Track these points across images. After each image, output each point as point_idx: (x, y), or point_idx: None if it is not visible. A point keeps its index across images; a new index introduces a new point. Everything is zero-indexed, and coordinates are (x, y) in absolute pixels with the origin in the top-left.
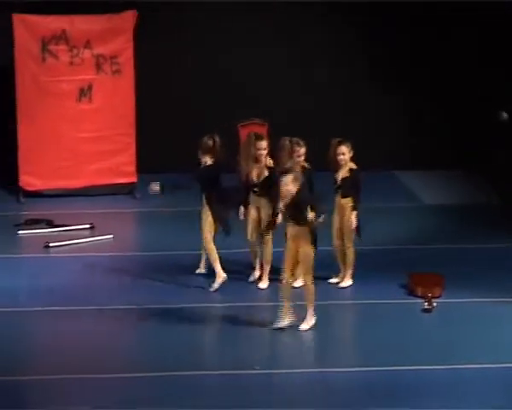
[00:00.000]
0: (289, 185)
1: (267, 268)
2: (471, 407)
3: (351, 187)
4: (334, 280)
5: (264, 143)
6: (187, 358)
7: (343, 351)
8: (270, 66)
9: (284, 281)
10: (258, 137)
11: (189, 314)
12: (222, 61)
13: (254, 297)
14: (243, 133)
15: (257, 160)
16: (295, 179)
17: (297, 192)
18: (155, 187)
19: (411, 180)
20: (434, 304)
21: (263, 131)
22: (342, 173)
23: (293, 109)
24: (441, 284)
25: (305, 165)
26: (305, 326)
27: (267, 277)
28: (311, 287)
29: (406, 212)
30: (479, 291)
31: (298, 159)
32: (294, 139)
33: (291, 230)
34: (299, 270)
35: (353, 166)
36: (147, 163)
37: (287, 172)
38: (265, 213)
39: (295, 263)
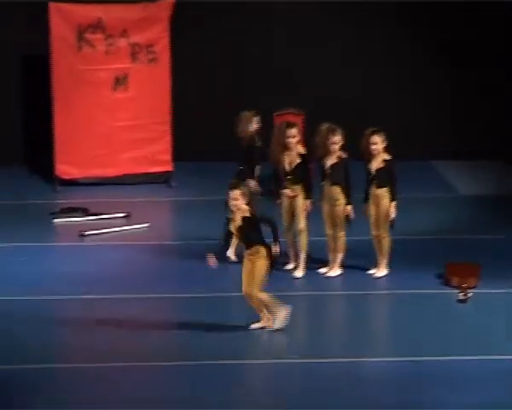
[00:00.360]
0: (238, 200)
1: (303, 257)
2: (504, 398)
3: (386, 178)
4: (372, 271)
5: (294, 131)
6: (226, 345)
7: (379, 341)
8: (309, 55)
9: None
10: (289, 125)
11: (223, 303)
12: (260, 50)
13: (289, 286)
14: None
15: (288, 147)
16: (244, 194)
17: (246, 217)
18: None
19: (448, 170)
20: (470, 294)
21: (298, 121)
22: (376, 164)
23: (333, 98)
24: (477, 275)
25: (342, 154)
26: (256, 326)
27: (303, 265)
28: (262, 295)
29: (442, 202)
30: None
31: (332, 146)
32: (331, 126)
33: (246, 250)
34: (250, 285)
35: (386, 156)
36: (183, 151)
37: (236, 186)
38: (299, 201)
39: (249, 280)
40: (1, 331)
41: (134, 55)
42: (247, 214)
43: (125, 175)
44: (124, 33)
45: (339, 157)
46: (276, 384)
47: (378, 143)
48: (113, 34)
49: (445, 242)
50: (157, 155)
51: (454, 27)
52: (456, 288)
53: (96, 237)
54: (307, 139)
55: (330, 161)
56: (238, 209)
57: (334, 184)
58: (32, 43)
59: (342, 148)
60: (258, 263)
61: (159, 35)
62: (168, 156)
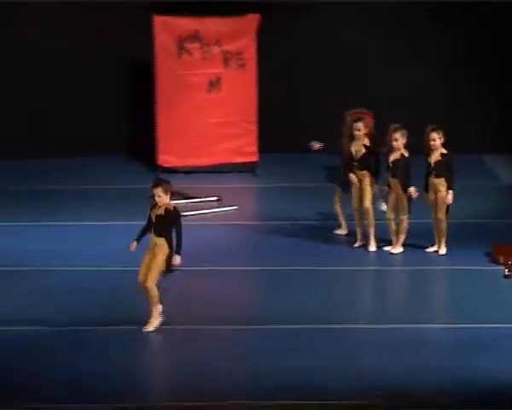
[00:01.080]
0: (161, 197)
1: (372, 232)
2: None
3: (444, 169)
4: (430, 249)
5: (360, 125)
6: (314, 312)
7: (435, 310)
8: (378, 56)
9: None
10: (356, 119)
11: (308, 275)
12: (335, 53)
13: (358, 261)
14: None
15: (355, 138)
16: (165, 190)
17: (169, 210)
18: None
19: (495, 163)
20: None
21: (368, 120)
22: (434, 157)
23: (397, 97)
24: None
25: (404, 153)
26: (149, 328)
27: (374, 240)
28: (154, 290)
29: (488, 191)
30: None
31: (393, 143)
32: (395, 126)
33: (153, 239)
34: (147, 274)
35: (444, 151)
36: (267, 144)
37: (158, 184)
38: (365, 185)
39: (148, 271)
40: (115, 294)
41: (226, 62)
42: (171, 208)
43: (216, 165)
44: (217, 43)
45: (402, 154)
46: (349, 347)
47: (436, 139)
48: (208, 43)
49: (493, 225)
50: (244, 148)
51: (508, 27)
52: (502, 265)
53: (192, 217)
54: (375, 135)
55: (393, 156)
56: (163, 204)
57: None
58: (139, 51)
59: (406, 146)
60: (160, 258)
61: (247, 44)
62: (254, 148)
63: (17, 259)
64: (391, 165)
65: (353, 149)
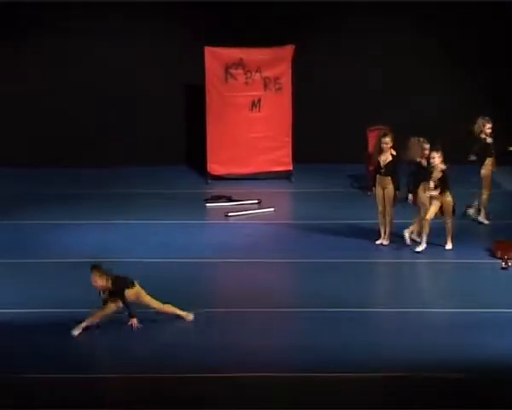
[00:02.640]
0: (97, 282)
1: (388, 230)
2: None
3: (444, 184)
4: (447, 247)
5: (387, 139)
6: (351, 297)
7: (441, 296)
8: (395, 76)
9: None
10: (384, 135)
11: (336, 266)
12: (356, 77)
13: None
14: (371, 136)
15: (383, 150)
16: (101, 275)
17: (112, 291)
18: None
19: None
20: (510, 264)
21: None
22: (436, 174)
23: (416, 111)
24: None
25: (443, 167)
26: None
27: (389, 236)
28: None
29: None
30: None
31: (424, 152)
32: (422, 139)
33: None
34: None
35: (443, 166)
36: (301, 156)
37: (94, 269)
38: (389, 190)
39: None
40: (172, 283)
41: (265, 86)
42: (111, 288)
43: (257, 173)
44: (258, 69)
45: (442, 170)
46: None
47: (436, 157)
48: (250, 70)
49: (493, 225)
50: (281, 158)
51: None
52: (500, 258)
53: (236, 217)
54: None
55: (436, 173)
56: (102, 288)
57: (444, 190)
58: (194, 76)
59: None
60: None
61: (283, 71)
62: (289, 159)
63: (111, 252)
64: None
65: (381, 159)
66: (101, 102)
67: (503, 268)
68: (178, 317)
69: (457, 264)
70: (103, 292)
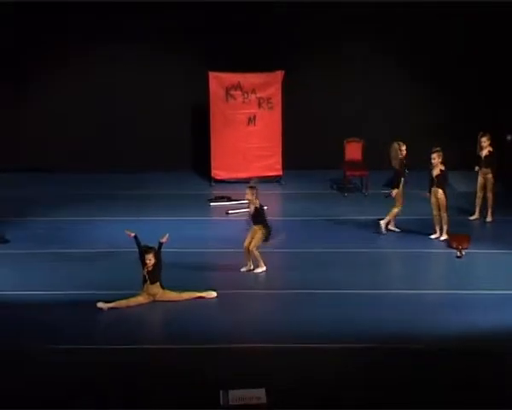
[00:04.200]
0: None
1: (445, 228)
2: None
3: (442, 181)
4: (433, 236)
5: (403, 147)
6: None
7: (410, 279)
8: (371, 96)
9: None
10: (401, 144)
11: (325, 256)
12: (338, 98)
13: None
14: (348, 147)
15: (434, 166)
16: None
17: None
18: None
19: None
20: (463, 253)
21: (360, 145)
22: (435, 172)
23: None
24: (468, 241)
25: (442, 167)
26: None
27: (446, 232)
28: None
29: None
30: (493, 245)
31: (402, 153)
32: (400, 143)
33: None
34: None
35: (442, 167)
36: (289, 163)
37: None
38: (441, 199)
39: None
40: (182, 270)
41: (259, 104)
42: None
43: (253, 177)
44: (253, 91)
45: (440, 170)
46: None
47: (436, 158)
48: (247, 91)
49: (452, 220)
50: (273, 165)
51: None
52: (455, 249)
53: (235, 214)
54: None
55: (435, 171)
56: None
57: (438, 186)
58: (199, 97)
59: (442, 162)
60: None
61: (275, 92)
62: (280, 166)
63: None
64: (434, 178)
65: (434, 174)
66: (124, 122)
67: (458, 257)
68: (200, 298)
69: (420, 253)
70: (147, 269)
